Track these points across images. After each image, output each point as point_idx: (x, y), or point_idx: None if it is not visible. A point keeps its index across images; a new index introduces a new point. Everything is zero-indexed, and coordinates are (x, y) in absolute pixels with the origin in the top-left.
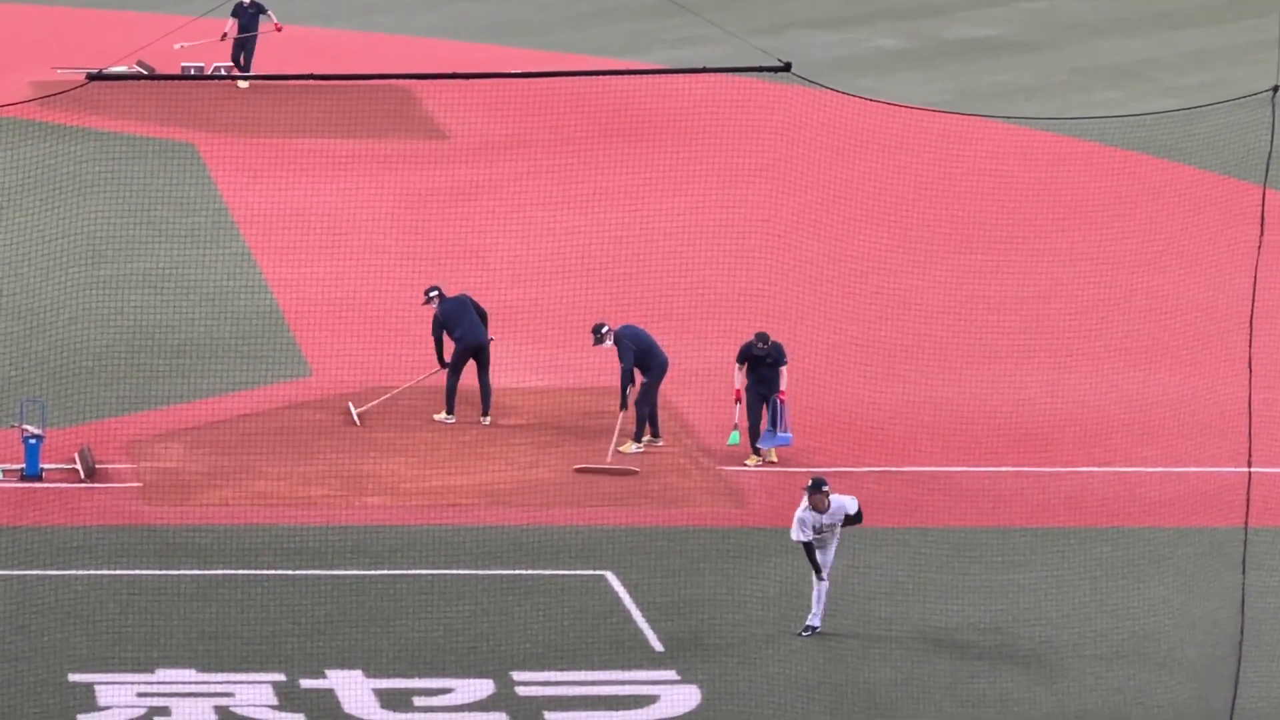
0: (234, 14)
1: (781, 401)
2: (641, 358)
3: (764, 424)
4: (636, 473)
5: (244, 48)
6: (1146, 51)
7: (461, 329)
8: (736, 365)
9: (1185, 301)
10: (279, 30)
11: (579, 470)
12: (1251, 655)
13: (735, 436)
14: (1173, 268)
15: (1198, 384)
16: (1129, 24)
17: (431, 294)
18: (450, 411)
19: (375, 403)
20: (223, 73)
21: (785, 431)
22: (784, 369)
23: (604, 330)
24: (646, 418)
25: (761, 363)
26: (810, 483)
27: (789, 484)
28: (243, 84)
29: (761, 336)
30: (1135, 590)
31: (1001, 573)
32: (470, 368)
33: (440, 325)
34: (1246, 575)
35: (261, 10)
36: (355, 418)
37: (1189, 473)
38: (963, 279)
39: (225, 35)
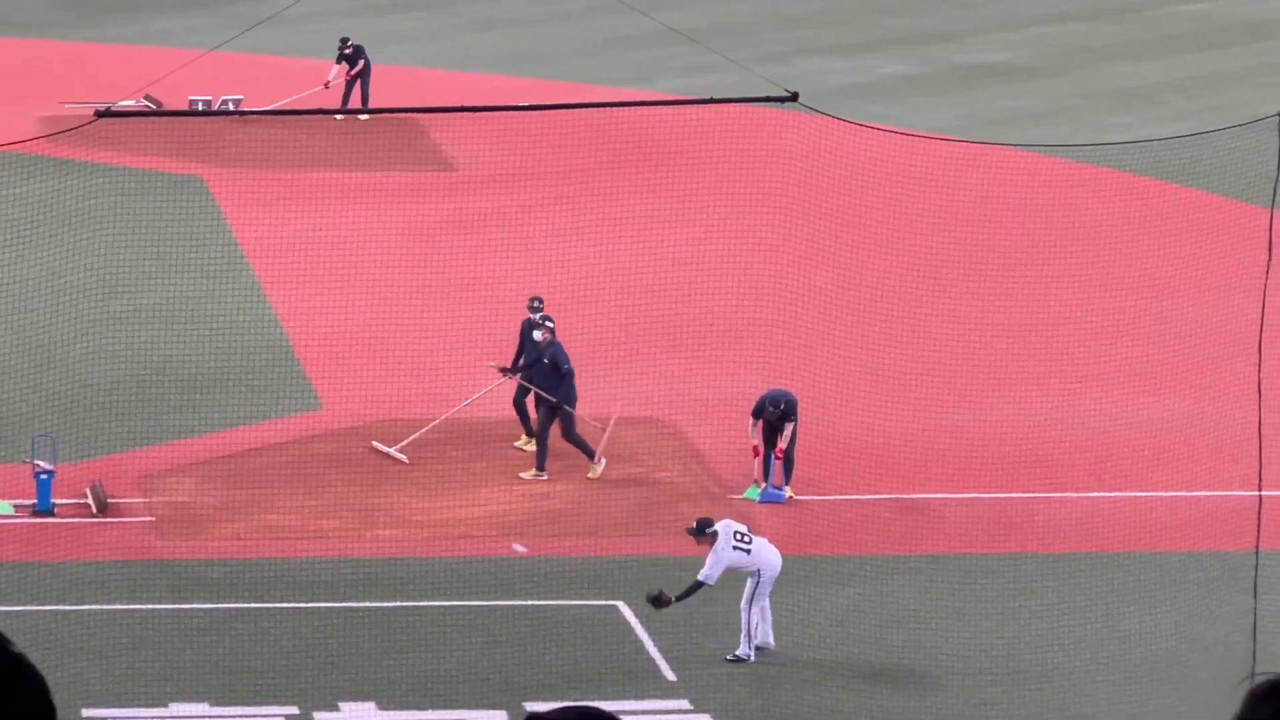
0: (340, 60)
1: (778, 459)
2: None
3: (768, 473)
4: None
5: (362, 84)
6: (1156, 75)
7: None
8: (751, 419)
9: (1195, 325)
10: (349, 76)
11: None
12: (1264, 679)
13: (753, 491)
14: (1182, 291)
15: (1208, 408)
16: (1138, 48)
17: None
18: (532, 434)
19: (414, 436)
20: (230, 107)
21: (781, 490)
22: (789, 426)
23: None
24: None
25: (771, 424)
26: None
27: (801, 514)
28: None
29: (774, 400)
30: (1147, 615)
31: (1013, 599)
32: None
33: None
34: (1258, 599)
35: (362, 51)
36: (397, 454)
37: (1200, 497)
38: (972, 305)
39: (328, 83)
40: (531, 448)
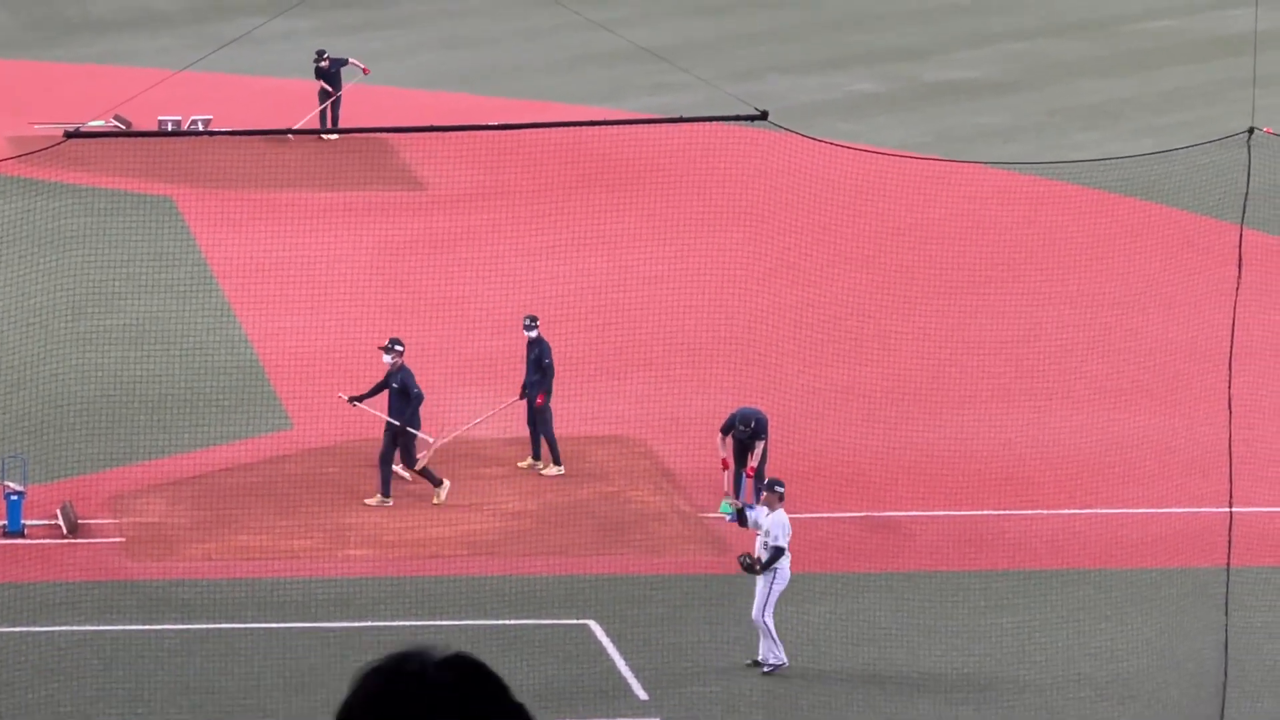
0: (318, 76)
1: (749, 477)
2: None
3: (739, 491)
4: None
5: (333, 105)
6: (1123, 91)
7: (550, 375)
8: (720, 434)
9: (1165, 341)
10: (366, 73)
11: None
12: (1235, 695)
13: (726, 505)
14: (1152, 308)
15: (1178, 424)
16: (1105, 64)
17: (537, 323)
18: (559, 462)
19: (427, 455)
20: (199, 127)
21: (750, 507)
22: (760, 444)
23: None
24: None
25: (741, 441)
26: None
27: None
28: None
29: (745, 419)
30: (1119, 631)
31: (985, 616)
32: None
33: (549, 363)
34: (1229, 615)
35: (343, 63)
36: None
37: (1171, 513)
38: (942, 322)
39: (327, 94)
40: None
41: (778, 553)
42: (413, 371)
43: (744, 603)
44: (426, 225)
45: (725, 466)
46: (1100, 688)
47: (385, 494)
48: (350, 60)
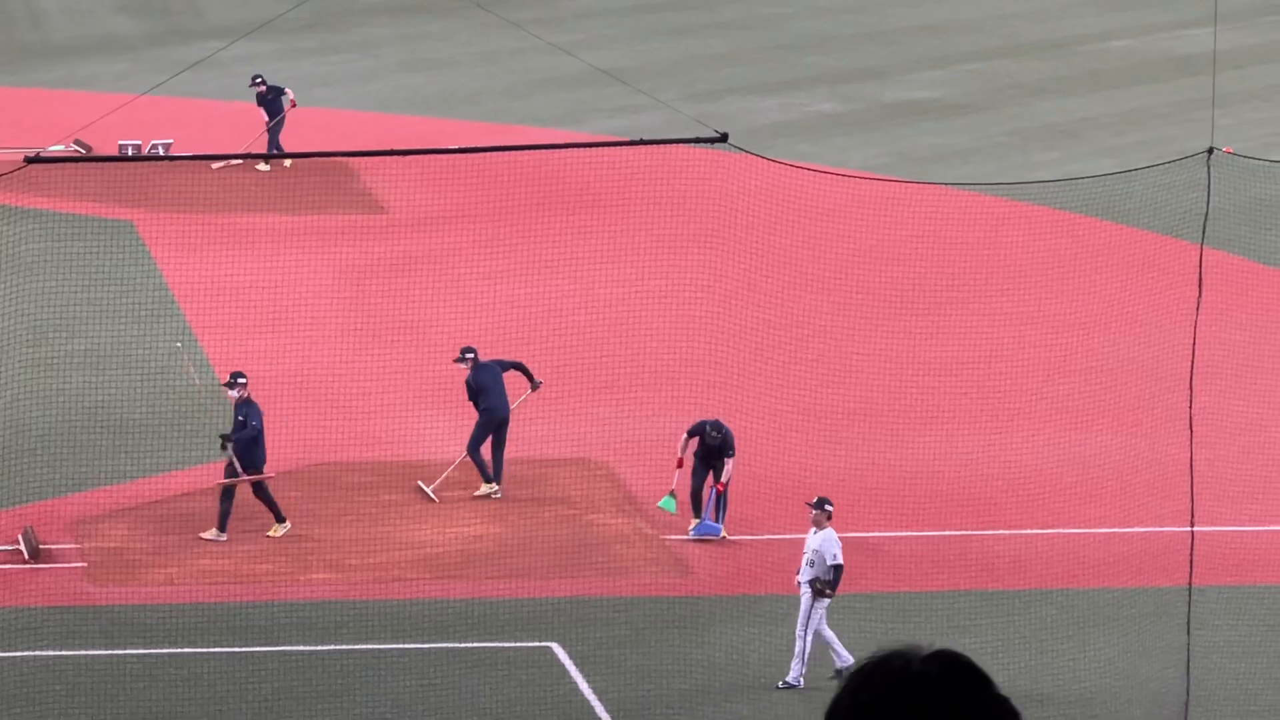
0: (259, 103)
1: (719, 493)
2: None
3: (700, 508)
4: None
5: (275, 130)
6: (1083, 111)
7: (490, 400)
8: (685, 435)
9: (1126, 361)
10: (294, 106)
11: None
12: (1197, 715)
13: (668, 501)
14: (1113, 328)
15: (1139, 444)
16: (1065, 84)
17: (467, 355)
18: (489, 481)
19: (442, 477)
20: (160, 152)
21: (717, 523)
22: (729, 460)
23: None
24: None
25: (710, 447)
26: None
27: (734, 553)
28: (263, 166)
29: (715, 425)
30: (1081, 651)
31: (947, 636)
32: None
33: (472, 392)
34: (1191, 634)
35: (281, 92)
36: (430, 494)
37: (1133, 533)
38: (904, 343)
39: (269, 123)
40: (484, 491)
41: (840, 570)
42: (259, 407)
43: (706, 626)
44: (387, 249)
45: (680, 465)
46: (1063, 707)
47: (221, 529)
48: (286, 91)
